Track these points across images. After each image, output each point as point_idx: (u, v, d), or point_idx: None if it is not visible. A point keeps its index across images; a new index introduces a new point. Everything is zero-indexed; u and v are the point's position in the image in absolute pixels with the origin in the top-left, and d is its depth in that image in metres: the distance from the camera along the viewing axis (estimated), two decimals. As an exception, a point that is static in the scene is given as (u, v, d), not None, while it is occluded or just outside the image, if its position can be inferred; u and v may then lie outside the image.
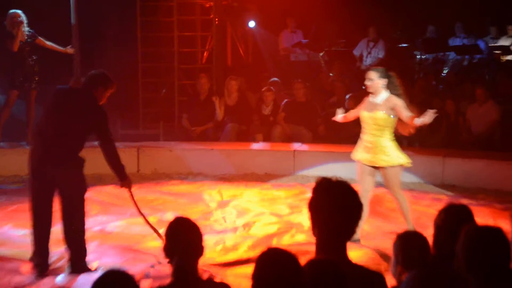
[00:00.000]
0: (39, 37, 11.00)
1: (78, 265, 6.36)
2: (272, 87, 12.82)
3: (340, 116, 8.00)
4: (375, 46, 13.95)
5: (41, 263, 6.37)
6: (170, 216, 8.09)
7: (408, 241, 3.93)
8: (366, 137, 7.58)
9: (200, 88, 12.76)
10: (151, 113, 13.79)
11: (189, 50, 14.11)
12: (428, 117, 7.21)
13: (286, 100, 12.68)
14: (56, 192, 6.38)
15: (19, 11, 10.88)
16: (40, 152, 6.35)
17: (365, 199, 7.39)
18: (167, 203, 9.24)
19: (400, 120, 7.51)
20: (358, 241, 7.30)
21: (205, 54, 14.25)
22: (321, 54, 14.25)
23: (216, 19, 13.98)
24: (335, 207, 3.43)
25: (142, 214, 7.09)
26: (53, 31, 11.56)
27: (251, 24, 14.35)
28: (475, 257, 3.35)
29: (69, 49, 11.34)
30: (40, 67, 11.10)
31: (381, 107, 7.43)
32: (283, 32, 14.57)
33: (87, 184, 6.54)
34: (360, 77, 13.74)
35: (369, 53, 13.97)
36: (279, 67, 14.20)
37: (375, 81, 7.50)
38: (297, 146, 11.62)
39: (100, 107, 6.48)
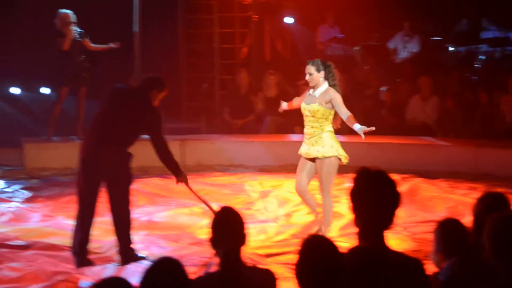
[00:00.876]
0: (86, 39, 11.10)
1: (127, 254, 6.43)
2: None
3: (284, 104, 7.73)
4: (410, 40, 13.85)
5: (80, 252, 6.43)
6: (213, 206, 8.16)
7: (449, 229, 3.91)
8: (305, 129, 7.29)
9: (239, 82, 12.82)
10: (193, 107, 13.87)
11: (228, 46, 14.14)
12: (364, 131, 7.14)
13: (323, 93, 12.66)
14: (102, 185, 6.43)
15: (69, 12, 10.98)
16: (90, 145, 6.42)
17: (304, 194, 7.23)
18: (210, 193, 9.26)
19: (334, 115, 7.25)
20: None
21: (244, 50, 14.25)
22: (356, 48, 14.19)
23: (254, 16, 13.99)
24: (373, 196, 3.45)
25: (204, 202, 7.15)
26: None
27: (288, 20, 14.31)
28: (501, 245, 3.35)
29: (112, 44, 11.32)
30: (90, 64, 11.22)
31: (318, 99, 7.16)
32: (321, 26, 14.50)
33: (133, 178, 6.57)
34: (394, 70, 13.73)
35: (404, 47, 13.87)
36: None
37: (314, 75, 7.25)
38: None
39: (154, 109, 6.55)
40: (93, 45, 11.19)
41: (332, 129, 7.21)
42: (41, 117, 12.37)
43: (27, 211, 8.31)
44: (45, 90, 13.02)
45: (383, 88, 12.53)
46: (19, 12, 13.17)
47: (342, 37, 14.45)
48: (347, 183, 9.55)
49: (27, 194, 9.27)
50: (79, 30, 11.05)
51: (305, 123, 7.28)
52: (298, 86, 12.82)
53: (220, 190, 9.50)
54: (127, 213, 6.48)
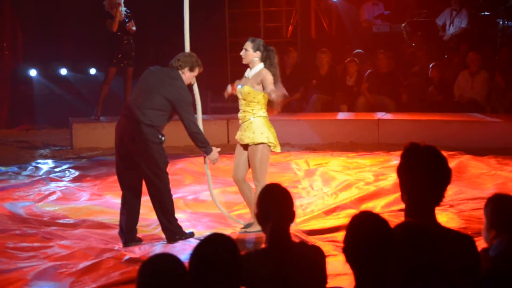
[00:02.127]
0: (131, 23, 11.14)
1: (173, 233, 6.44)
2: (355, 59, 12.76)
3: (229, 88, 7.00)
4: (458, 15, 13.64)
5: (127, 231, 6.44)
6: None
7: (501, 205, 3.80)
8: (239, 113, 6.85)
9: (288, 61, 12.81)
10: (238, 86, 13.86)
11: (274, 25, 14.11)
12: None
13: (369, 70, 12.63)
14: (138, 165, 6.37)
15: None
16: (121, 126, 6.43)
17: (241, 183, 6.85)
18: (256, 172, 9.26)
19: (269, 102, 6.81)
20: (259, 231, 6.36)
21: (290, 28, 14.22)
22: (403, 25, 14.04)
23: (300, -6, 13.96)
24: (424, 172, 3.38)
25: (211, 194, 7.09)
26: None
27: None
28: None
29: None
30: (137, 45, 11.28)
31: (250, 81, 6.70)
32: (365, 4, 14.41)
33: (166, 158, 6.45)
34: (442, 46, 13.55)
35: (452, 22, 13.66)
36: (361, 39, 14.06)
37: (249, 52, 6.74)
38: (380, 115, 11.55)
39: (183, 88, 6.44)
40: (134, 29, 11.23)
41: (265, 114, 6.78)
42: (89, 98, 12.52)
43: (76, 190, 8.41)
44: (92, 71, 13.16)
45: (431, 65, 12.40)
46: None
47: (388, 14, 14.33)
48: (394, 160, 9.51)
49: (75, 173, 9.38)
50: (126, 10, 11.10)
51: (239, 107, 6.85)
52: (345, 64, 12.80)
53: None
54: (165, 194, 6.39)
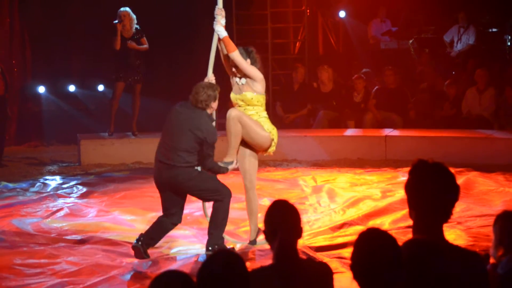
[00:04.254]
0: (144, 39, 11.15)
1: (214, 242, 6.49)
2: (362, 75, 12.80)
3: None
4: (465, 31, 13.68)
5: (147, 238, 6.47)
6: (266, 201, 8.14)
7: (510, 222, 3.78)
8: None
9: (296, 77, 12.85)
10: (246, 103, 13.87)
11: (282, 41, 14.15)
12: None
13: (376, 87, 12.66)
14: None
15: (125, 10, 11.07)
16: (160, 172, 6.50)
17: (248, 181, 7.02)
18: (264, 188, 9.27)
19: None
20: (254, 243, 6.88)
21: (297, 44, 14.26)
22: (410, 41, 14.08)
23: (308, 10, 13.99)
24: (432, 189, 3.37)
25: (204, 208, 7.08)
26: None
27: (342, 14, 14.27)
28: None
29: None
30: (145, 61, 11.30)
31: (247, 87, 6.86)
32: (372, 21, 14.46)
33: (211, 177, 6.57)
34: (450, 63, 13.58)
35: (460, 39, 13.70)
36: (369, 55, 14.10)
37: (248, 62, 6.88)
38: (388, 131, 11.54)
39: (212, 131, 6.47)
40: (139, 47, 11.18)
41: (267, 115, 6.99)
42: (96, 114, 12.55)
43: (83, 207, 8.41)
44: (100, 88, 13.21)
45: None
46: (75, 10, 13.38)
47: (395, 30, 14.37)
48: (401, 177, 9.50)
49: (83, 189, 9.38)
50: (137, 28, 11.11)
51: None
52: (352, 80, 12.83)
53: (274, 185, 9.49)
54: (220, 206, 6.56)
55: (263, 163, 10.95)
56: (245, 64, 6.80)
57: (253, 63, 6.86)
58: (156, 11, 12.89)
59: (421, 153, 10.24)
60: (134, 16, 11.06)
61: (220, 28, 6.88)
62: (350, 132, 11.96)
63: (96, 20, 12.72)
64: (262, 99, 6.93)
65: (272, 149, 7.05)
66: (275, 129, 7.03)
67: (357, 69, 13.38)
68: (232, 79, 6.98)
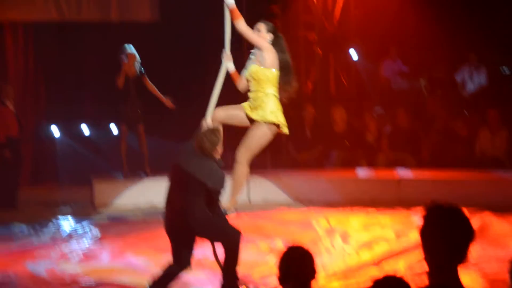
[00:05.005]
0: (146, 78, 11.23)
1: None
2: (375, 115, 12.84)
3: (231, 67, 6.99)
4: (477, 72, 13.71)
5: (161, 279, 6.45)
6: (280, 243, 8.12)
7: None
8: (249, 93, 6.83)
9: (306, 117, 12.90)
10: (259, 143, 13.88)
11: (294, 81, 14.18)
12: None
13: (389, 127, 12.66)
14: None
15: (130, 49, 11.15)
16: (172, 220, 6.43)
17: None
18: (276, 229, 9.24)
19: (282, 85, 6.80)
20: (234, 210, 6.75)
21: (309, 84, 14.30)
22: (422, 81, 14.11)
23: (320, 51, 14.04)
24: (447, 232, 3.34)
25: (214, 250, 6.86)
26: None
27: (353, 54, 14.33)
28: None
29: (168, 101, 11.18)
30: (147, 101, 11.34)
31: (255, 60, 6.76)
32: (384, 61, 14.52)
33: (222, 220, 6.49)
34: (462, 103, 13.58)
35: (471, 79, 13.73)
36: (381, 95, 14.12)
37: (262, 33, 6.77)
38: (401, 171, 11.53)
39: (222, 179, 6.34)
40: (152, 87, 11.25)
41: (276, 94, 6.75)
42: (110, 155, 12.57)
43: (97, 249, 8.40)
44: (114, 128, 13.24)
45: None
46: (90, 51, 13.49)
47: (407, 70, 14.41)
48: (415, 218, 9.45)
49: (96, 231, 9.39)
50: (139, 67, 11.20)
51: (249, 88, 6.81)
52: (364, 120, 12.85)
53: (287, 226, 9.45)
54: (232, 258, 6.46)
55: (276, 204, 10.95)
56: (250, 32, 6.66)
57: (276, 45, 6.71)
58: (166, 47, 12.99)
59: (434, 194, 10.26)
60: (138, 57, 11.16)
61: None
62: (362, 172, 11.95)
63: (110, 61, 12.82)
64: (269, 74, 6.70)
65: (284, 130, 6.86)
66: (280, 110, 6.78)
67: (369, 109, 13.40)
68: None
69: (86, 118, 13.49)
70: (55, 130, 13.18)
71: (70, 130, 13.27)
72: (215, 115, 6.78)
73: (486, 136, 12.09)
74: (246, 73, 6.80)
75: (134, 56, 11.14)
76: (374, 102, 13.68)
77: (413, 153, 12.29)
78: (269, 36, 6.76)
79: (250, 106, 6.78)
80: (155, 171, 11.39)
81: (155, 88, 11.27)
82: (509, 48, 13.92)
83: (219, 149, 6.38)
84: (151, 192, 10.94)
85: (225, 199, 6.63)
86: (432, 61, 14.51)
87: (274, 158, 13.22)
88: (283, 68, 6.82)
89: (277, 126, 6.77)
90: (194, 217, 6.31)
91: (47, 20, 13.06)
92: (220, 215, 6.54)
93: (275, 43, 6.78)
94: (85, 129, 13.38)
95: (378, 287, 3.10)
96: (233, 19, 6.66)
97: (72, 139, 13.25)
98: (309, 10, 14.22)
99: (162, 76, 11.51)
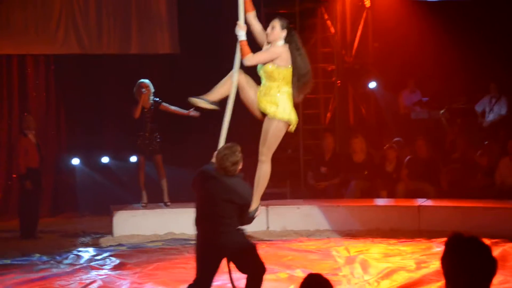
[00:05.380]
0: (163, 103, 11.26)
1: None
2: (394, 145, 12.83)
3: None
4: (497, 102, 13.70)
5: None
6: (299, 273, 8.08)
7: None
8: (261, 85, 6.83)
9: (325, 147, 12.91)
10: (278, 172, 13.85)
11: (312, 112, 14.23)
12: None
13: (408, 157, 12.64)
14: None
15: (146, 81, 11.24)
16: (209, 243, 6.33)
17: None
18: (296, 259, 9.22)
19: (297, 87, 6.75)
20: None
21: (328, 115, 14.33)
22: (441, 111, 14.11)
23: (338, 82, 14.09)
24: (468, 263, 3.34)
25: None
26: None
27: (372, 85, 14.35)
28: None
29: (193, 112, 11.06)
30: (163, 130, 11.36)
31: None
32: (403, 91, 14.56)
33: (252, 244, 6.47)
34: (482, 133, 13.55)
35: (491, 109, 13.72)
36: (400, 125, 14.13)
37: (277, 30, 6.75)
38: (421, 201, 11.48)
39: (249, 193, 6.42)
40: (172, 108, 11.23)
41: (289, 91, 6.74)
42: (129, 185, 12.62)
43: (117, 279, 8.38)
44: (133, 159, 13.28)
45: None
46: (110, 83, 13.62)
47: (426, 100, 14.42)
48: (436, 247, 9.40)
49: (116, 261, 9.36)
50: (155, 99, 11.25)
51: (261, 80, 6.84)
52: (384, 150, 12.85)
53: (306, 256, 9.42)
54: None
55: (296, 233, 10.93)
56: (262, 57, 6.68)
57: (291, 42, 6.71)
58: (184, 78, 13.06)
59: (455, 224, 10.22)
60: (152, 89, 11.22)
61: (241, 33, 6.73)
62: (382, 202, 11.91)
63: (130, 92, 12.92)
64: (286, 72, 6.71)
65: (291, 129, 6.86)
66: (293, 107, 6.77)
67: (388, 139, 13.39)
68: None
69: (106, 149, 13.56)
70: (75, 161, 13.26)
71: (90, 160, 13.37)
72: (239, 76, 6.77)
73: (506, 165, 12.04)
74: (259, 68, 6.79)
75: (149, 87, 11.19)
76: (393, 132, 13.66)
77: (432, 183, 12.24)
78: (284, 33, 6.76)
79: (260, 93, 6.79)
80: (174, 201, 11.40)
81: (174, 108, 11.23)
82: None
83: (240, 165, 6.36)
84: (169, 221, 10.96)
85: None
86: (452, 91, 14.53)
87: (293, 187, 13.24)
88: (298, 66, 6.79)
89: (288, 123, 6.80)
90: (233, 241, 6.23)
91: (69, 53, 13.25)
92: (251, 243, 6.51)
93: (290, 40, 6.79)
94: (105, 159, 13.44)
95: None
96: (242, 56, 6.69)
97: (92, 169, 13.33)
98: (327, 42, 14.32)
99: (180, 106, 11.54)
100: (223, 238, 6.22)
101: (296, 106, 13.74)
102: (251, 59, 6.67)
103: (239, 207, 6.27)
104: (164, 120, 11.43)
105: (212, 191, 6.29)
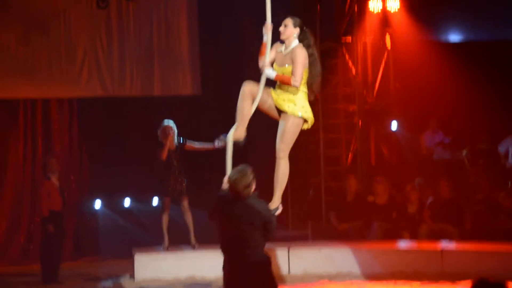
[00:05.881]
0: (188, 143, 11.29)
1: None
2: (417, 186, 12.83)
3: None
4: (521, 143, 13.69)
5: None
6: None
7: None
8: (277, 84, 6.99)
9: (348, 188, 12.91)
10: (299, 214, 13.91)
11: (333, 152, 14.25)
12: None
13: (431, 198, 12.62)
14: None
15: (170, 122, 11.29)
16: (237, 274, 6.27)
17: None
18: (319, 303, 9.18)
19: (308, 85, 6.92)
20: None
21: (349, 155, 14.33)
22: (464, 152, 14.09)
23: (360, 122, 14.11)
24: None
25: None
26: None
27: (394, 125, 14.37)
28: None
29: (218, 144, 11.16)
30: (188, 173, 11.37)
31: (287, 60, 6.86)
32: (425, 132, 14.58)
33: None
34: (505, 174, 13.49)
35: (515, 150, 13.71)
36: (422, 166, 14.12)
37: (290, 28, 6.89)
38: (444, 243, 11.43)
39: (269, 210, 6.46)
40: (197, 145, 11.26)
41: (306, 90, 6.91)
42: (151, 228, 12.63)
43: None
44: (155, 202, 13.34)
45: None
46: (132, 127, 13.72)
47: (448, 141, 14.42)
48: (460, 291, 9.34)
49: (137, 305, 9.39)
50: (179, 139, 11.31)
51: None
52: (406, 191, 12.81)
53: (329, 300, 9.40)
54: None
55: (317, 276, 10.85)
56: (301, 69, 6.78)
57: (304, 40, 6.83)
58: (206, 119, 13.12)
59: (479, 267, 10.13)
60: (176, 130, 11.28)
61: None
62: (405, 244, 11.85)
63: (153, 134, 12.97)
64: (303, 73, 6.85)
65: (307, 125, 6.99)
66: (309, 105, 6.93)
67: (410, 180, 13.36)
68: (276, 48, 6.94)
69: (128, 192, 13.61)
70: (97, 204, 13.32)
71: (112, 203, 13.43)
72: (249, 86, 6.86)
73: (531, 207, 11.97)
74: (278, 69, 6.89)
75: (173, 128, 11.27)
76: (416, 173, 13.65)
77: (456, 225, 12.19)
78: (296, 31, 6.90)
79: (276, 94, 6.90)
80: (199, 243, 11.36)
81: (199, 144, 11.24)
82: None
83: (254, 183, 6.31)
84: (191, 265, 10.91)
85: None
86: (474, 132, 14.52)
87: (315, 229, 13.22)
88: (311, 64, 6.94)
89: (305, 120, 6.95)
90: (261, 267, 6.16)
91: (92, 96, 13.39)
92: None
93: (302, 38, 6.94)
94: (127, 202, 13.49)
95: None
96: (288, 83, 6.81)
97: (114, 212, 13.39)
98: (349, 82, 14.40)
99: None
100: (250, 265, 6.13)
101: (317, 145, 13.87)
102: (298, 80, 6.77)
103: (261, 225, 6.21)
104: (188, 160, 11.45)
105: (232, 217, 6.23)
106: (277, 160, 6.95)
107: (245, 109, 6.91)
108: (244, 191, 6.23)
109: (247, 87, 6.87)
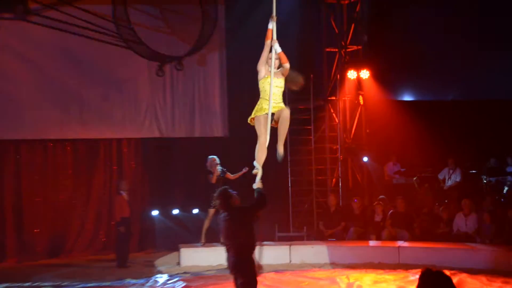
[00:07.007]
0: (227, 174, 11.34)
1: None
2: (381, 202, 12.79)
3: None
4: (453, 172, 13.68)
5: None
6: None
7: None
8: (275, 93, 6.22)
9: (330, 203, 12.90)
10: (297, 221, 13.85)
11: (322, 178, 14.23)
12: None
13: (391, 211, 12.58)
14: None
15: (215, 156, 11.33)
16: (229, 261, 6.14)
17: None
18: (311, 284, 9.26)
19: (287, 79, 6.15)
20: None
21: (333, 180, 14.30)
22: (414, 178, 14.08)
23: (341, 157, 14.12)
24: None
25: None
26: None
27: (365, 159, 14.36)
28: None
29: (244, 169, 10.96)
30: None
31: (279, 73, 6.25)
32: (387, 164, 14.52)
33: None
34: (443, 194, 13.49)
35: (449, 177, 13.70)
36: (385, 188, 14.08)
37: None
38: (400, 243, 11.43)
39: (240, 208, 6.12)
40: (232, 176, 11.34)
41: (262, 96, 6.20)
42: (193, 230, 12.51)
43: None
44: (195, 211, 13.21)
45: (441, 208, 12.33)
46: (178, 158, 13.66)
47: (404, 170, 14.37)
48: (411, 276, 9.39)
49: (182, 284, 9.47)
50: (222, 169, 11.41)
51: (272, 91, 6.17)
52: (374, 206, 12.79)
53: (318, 282, 9.47)
54: None
55: (311, 265, 10.86)
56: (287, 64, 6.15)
57: None
58: (233, 157, 13.09)
59: (425, 259, 10.26)
60: (218, 161, 11.33)
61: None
62: (373, 243, 11.86)
63: (193, 166, 12.93)
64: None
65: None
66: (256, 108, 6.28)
67: (377, 197, 13.36)
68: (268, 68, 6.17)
69: (176, 203, 13.51)
70: (154, 212, 13.24)
71: (165, 212, 13.32)
72: (260, 140, 6.21)
73: (461, 218, 11.99)
74: (278, 85, 6.25)
75: (216, 161, 11.33)
76: (380, 192, 13.64)
77: (408, 230, 12.16)
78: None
79: (265, 107, 6.28)
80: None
81: (235, 174, 11.26)
82: (476, 155, 13.91)
83: (236, 200, 6.09)
84: (220, 256, 10.83)
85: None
86: (422, 164, 14.48)
87: (308, 232, 13.16)
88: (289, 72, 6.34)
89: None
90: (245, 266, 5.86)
91: (151, 137, 13.29)
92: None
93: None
94: (175, 211, 13.45)
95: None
96: (284, 62, 6.16)
97: (166, 218, 13.31)
98: (333, 129, 14.33)
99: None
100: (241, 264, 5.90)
101: (310, 173, 13.77)
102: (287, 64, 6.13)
103: (250, 212, 5.95)
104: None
105: (231, 227, 6.03)
106: (284, 111, 6.24)
107: (259, 156, 6.33)
108: (225, 205, 6.08)
109: (261, 141, 6.34)
